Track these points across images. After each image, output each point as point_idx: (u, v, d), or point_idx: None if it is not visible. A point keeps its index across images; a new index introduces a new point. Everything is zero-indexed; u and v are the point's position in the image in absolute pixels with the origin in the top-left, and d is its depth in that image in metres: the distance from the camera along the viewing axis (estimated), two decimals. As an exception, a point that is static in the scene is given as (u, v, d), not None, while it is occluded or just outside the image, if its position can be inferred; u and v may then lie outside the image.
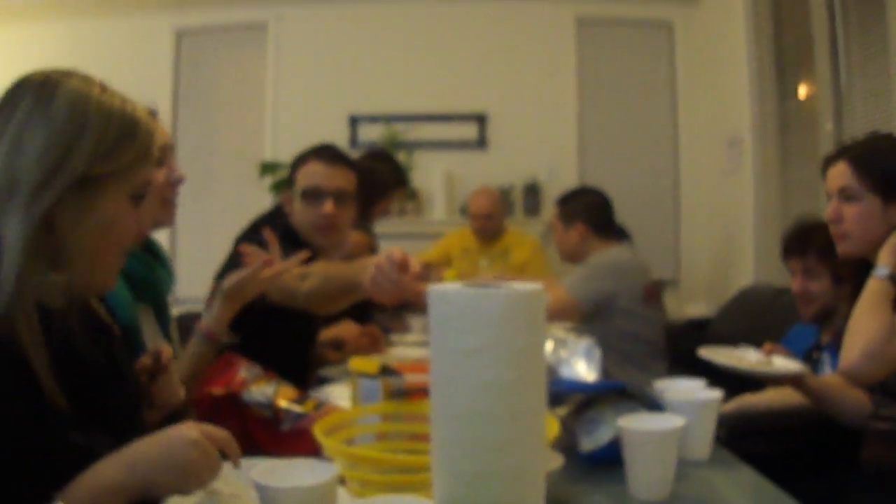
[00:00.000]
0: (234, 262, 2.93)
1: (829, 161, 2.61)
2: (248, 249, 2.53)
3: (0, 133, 1.45)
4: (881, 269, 2.34)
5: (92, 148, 1.47)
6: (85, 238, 1.49)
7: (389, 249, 2.33)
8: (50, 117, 1.46)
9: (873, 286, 2.34)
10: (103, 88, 1.54)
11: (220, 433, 1.45)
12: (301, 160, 3.20)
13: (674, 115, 7.16)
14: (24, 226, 1.40)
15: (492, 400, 1.09)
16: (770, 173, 5.77)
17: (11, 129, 1.45)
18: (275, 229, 3.14)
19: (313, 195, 3.09)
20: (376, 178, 4.71)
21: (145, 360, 1.84)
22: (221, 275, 2.61)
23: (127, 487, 1.33)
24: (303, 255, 2.53)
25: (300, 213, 3.12)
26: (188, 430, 1.41)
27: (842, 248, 2.55)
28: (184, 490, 1.39)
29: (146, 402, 1.81)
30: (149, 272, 2.32)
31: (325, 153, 3.17)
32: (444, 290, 1.12)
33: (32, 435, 1.35)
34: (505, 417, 1.09)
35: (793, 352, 3.07)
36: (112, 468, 1.34)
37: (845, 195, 2.50)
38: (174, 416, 1.83)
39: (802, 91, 5.55)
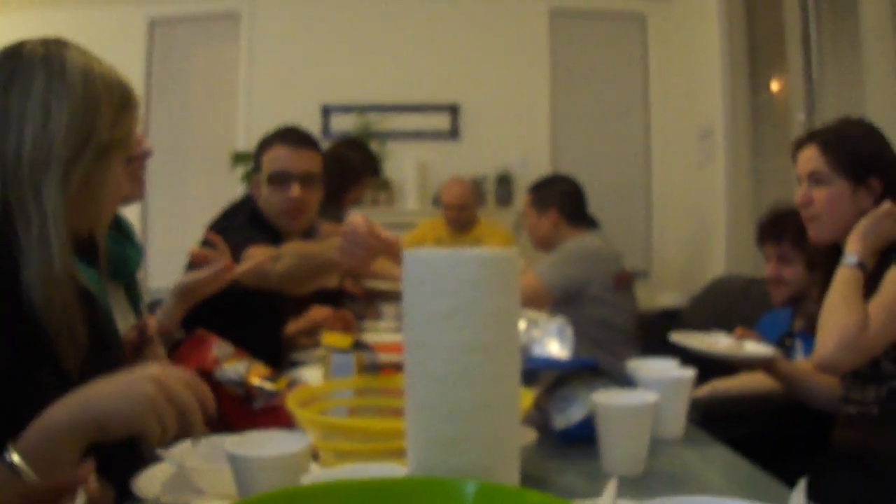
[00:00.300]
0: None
1: (799, 145, 2.61)
2: (201, 253, 2.51)
3: (21, 110, 1.50)
4: (850, 257, 2.35)
5: (108, 118, 1.56)
6: (102, 202, 1.60)
7: (351, 218, 2.33)
8: (69, 92, 1.52)
9: (843, 275, 2.34)
10: (94, 57, 1.61)
11: (182, 373, 1.41)
12: (266, 144, 3.19)
13: (646, 106, 7.18)
14: (64, 196, 1.49)
15: (467, 362, 1.08)
16: (742, 165, 5.79)
17: (33, 106, 1.50)
18: (244, 216, 3.15)
19: (280, 180, 3.09)
20: (348, 166, 4.71)
21: (130, 334, 1.85)
22: (191, 266, 2.60)
23: (79, 424, 1.28)
24: (258, 253, 2.53)
25: (267, 198, 3.12)
26: (149, 367, 1.37)
27: (812, 233, 2.57)
28: (140, 426, 1.30)
29: None
30: (119, 249, 2.30)
31: (290, 136, 3.16)
32: (418, 254, 1.12)
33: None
34: (480, 380, 1.09)
35: (765, 338, 3.08)
36: (65, 407, 1.30)
37: (815, 179, 2.51)
38: None
39: (775, 83, 5.57)
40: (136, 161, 2.32)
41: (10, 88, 1.52)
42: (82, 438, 1.28)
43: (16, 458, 1.21)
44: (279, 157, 3.11)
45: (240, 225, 3.12)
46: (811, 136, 2.58)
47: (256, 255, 2.54)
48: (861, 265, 2.34)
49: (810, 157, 2.53)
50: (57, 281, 1.47)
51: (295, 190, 3.06)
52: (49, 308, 1.46)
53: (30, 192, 1.48)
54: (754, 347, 2.78)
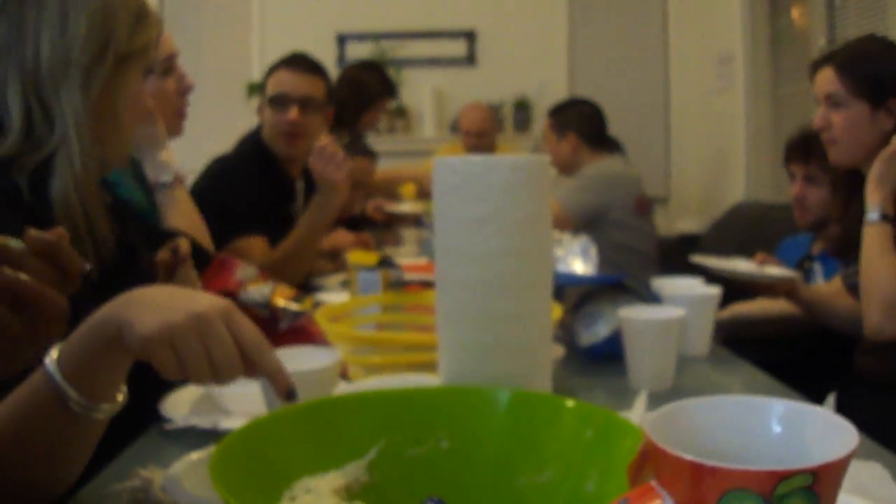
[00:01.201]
0: (209, 181, 2.98)
1: (815, 67, 2.56)
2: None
3: (38, 18, 1.50)
4: (871, 214, 2.28)
5: (126, 27, 1.55)
6: (123, 113, 1.58)
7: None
8: (85, 1, 1.51)
9: (869, 235, 2.27)
10: None
11: (251, 327, 1.15)
12: (272, 69, 3.28)
13: (665, 31, 7.10)
14: (85, 102, 1.49)
15: (500, 268, 1.07)
16: (761, 90, 5.74)
17: (49, 14, 1.49)
18: (249, 145, 3.22)
19: (279, 102, 3.16)
20: (363, 87, 4.69)
21: (164, 254, 1.84)
22: (195, 192, 2.61)
23: (102, 322, 1.10)
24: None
25: (268, 121, 3.18)
26: (217, 302, 1.13)
27: (832, 156, 2.53)
28: (152, 353, 1.07)
29: None
30: (136, 199, 2.30)
31: (294, 61, 3.26)
32: (450, 160, 1.10)
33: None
34: (512, 287, 1.08)
35: (784, 263, 3.07)
36: (106, 305, 1.13)
37: (832, 102, 2.46)
38: None
39: (795, 8, 5.50)
40: (180, 98, 2.34)
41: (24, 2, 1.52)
42: (106, 345, 1.10)
43: (54, 355, 1.09)
44: (281, 81, 3.19)
45: (243, 154, 3.20)
46: (828, 58, 2.52)
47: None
48: (884, 217, 2.29)
49: (827, 79, 2.48)
50: (77, 181, 1.47)
51: (293, 113, 3.11)
52: (67, 207, 1.46)
53: (51, 96, 1.48)
54: (776, 271, 2.77)
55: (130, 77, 1.59)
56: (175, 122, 2.33)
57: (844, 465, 0.62)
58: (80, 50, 1.49)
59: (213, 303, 1.10)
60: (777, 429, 0.70)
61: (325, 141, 2.46)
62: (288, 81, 3.17)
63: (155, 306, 1.08)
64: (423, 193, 4.40)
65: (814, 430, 0.69)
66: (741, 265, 2.78)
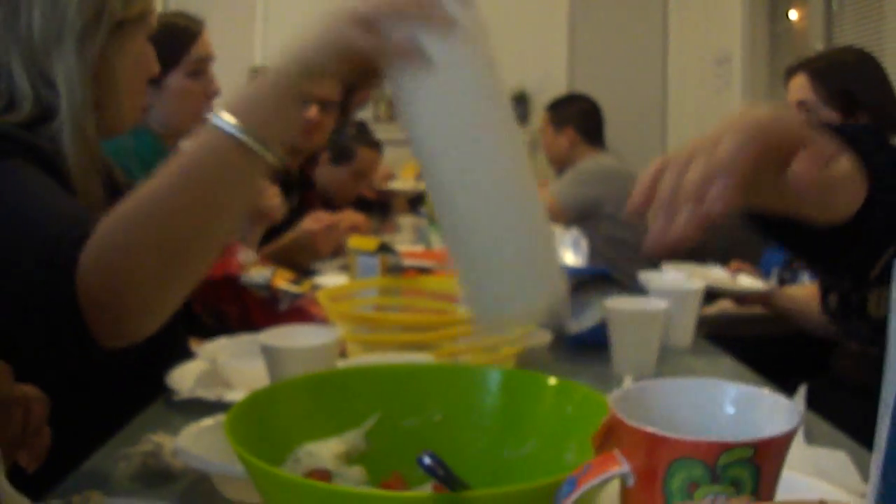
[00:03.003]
0: None
1: (789, 73, 2.57)
2: None
3: None
4: None
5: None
6: (121, 79, 1.58)
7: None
8: None
9: None
10: None
11: None
12: None
13: (664, 30, 7.14)
14: (80, 67, 1.48)
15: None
16: (758, 92, 5.78)
17: None
18: None
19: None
20: None
21: None
22: None
23: (281, 69, 1.17)
24: None
25: None
26: None
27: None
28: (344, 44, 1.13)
29: None
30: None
31: None
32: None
33: None
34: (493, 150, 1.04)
35: (763, 270, 3.13)
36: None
37: (804, 108, 2.47)
38: None
39: (794, 12, 5.55)
40: (207, 101, 2.37)
41: None
42: (290, 86, 1.16)
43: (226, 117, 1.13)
44: None
45: None
46: (802, 64, 2.53)
47: None
48: None
49: (800, 86, 2.48)
50: (75, 141, 1.49)
51: (312, 111, 3.18)
52: (79, 168, 1.48)
53: (48, 63, 1.49)
54: (749, 282, 2.82)
55: (128, 43, 1.58)
56: (193, 124, 2.35)
57: (785, 441, 0.69)
58: (73, 15, 1.49)
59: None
60: (730, 409, 0.77)
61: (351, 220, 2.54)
62: None
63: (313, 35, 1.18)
64: (414, 209, 4.47)
65: (763, 412, 0.75)
66: (715, 274, 2.83)
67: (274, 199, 2.55)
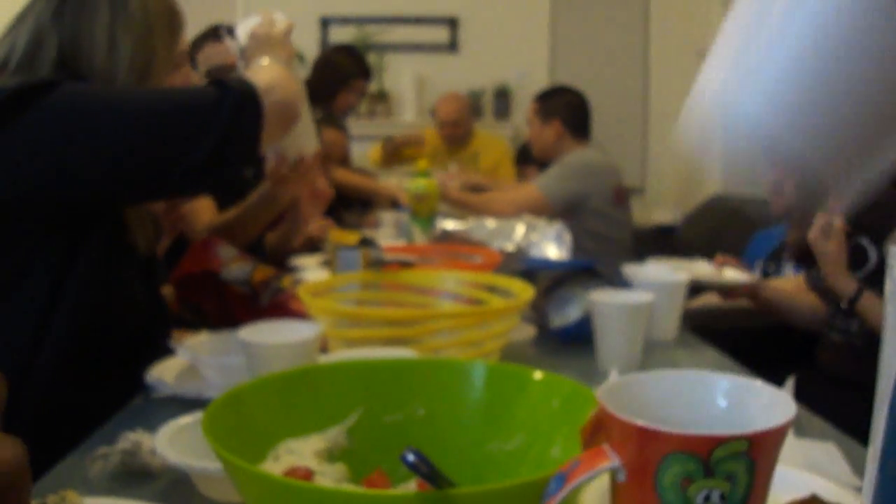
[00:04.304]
0: None
1: None
2: None
3: (91, 30, 1.64)
4: (844, 302, 2.42)
5: (164, 44, 1.73)
6: None
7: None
8: (129, 22, 1.66)
9: (863, 308, 2.40)
10: None
11: None
12: None
13: (646, 23, 7.15)
14: None
15: None
16: (739, 84, 5.79)
17: (98, 34, 1.64)
18: None
19: None
20: (337, 68, 4.76)
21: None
22: None
23: None
24: None
25: None
26: None
27: None
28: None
29: None
30: None
31: None
32: None
33: None
34: None
35: (747, 263, 3.13)
36: None
37: None
38: None
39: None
40: None
41: (79, 17, 1.64)
42: None
43: None
44: None
45: None
46: None
47: None
48: (859, 291, 2.36)
49: None
50: None
51: None
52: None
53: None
54: (734, 275, 2.82)
55: (168, 79, 1.76)
56: None
57: (780, 434, 0.67)
58: (126, 73, 1.64)
59: None
60: (723, 402, 0.75)
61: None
62: None
63: None
64: (395, 205, 4.46)
65: (756, 404, 0.74)
66: (700, 269, 2.83)
67: None
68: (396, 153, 5.77)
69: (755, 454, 0.64)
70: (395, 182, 4.70)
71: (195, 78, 2.36)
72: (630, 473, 0.67)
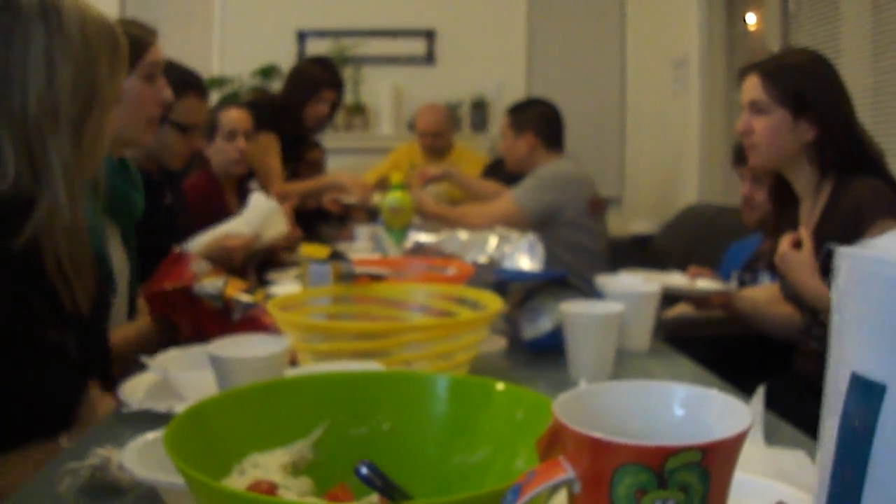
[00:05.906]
0: None
1: (742, 73, 2.63)
2: None
3: (24, 65, 1.51)
4: (824, 314, 2.42)
5: (106, 70, 1.61)
6: (104, 147, 1.67)
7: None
8: (68, 46, 1.54)
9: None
10: (84, 2, 1.62)
11: None
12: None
13: (622, 34, 7.19)
14: (74, 153, 1.54)
15: None
16: (716, 95, 5.82)
17: (33, 60, 1.51)
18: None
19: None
20: (307, 77, 4.77)
21: None
22: None
23: None
24: None
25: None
26: None
27: (752, 160, 2.60)
28: None
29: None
30: (125, 190, 2.33)
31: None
32: None
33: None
34: None
35: (722, 275, 3.14)
36: None
37: (756, 108, 2.52)
38: None
39: (751, 15, 5.59)
40: (156, 107, 2.35)
41: (9, 42, 1.52)
42: None
43: None
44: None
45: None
46: (754, 65, 2.58)
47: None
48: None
49: (752, 87, 2.54)
50: (67, 232, 1.53)
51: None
52: (56, 260, 1.52)
53: (39, 147, 1.51)
54: (706, 284, 2.83)
55: (111, 114, 1.64)
56: (144, 128, 2.30)
57: (734, 443, 0.66)
58: (68, 101, 1.53)
59: None
60: (679, 412, 0.75)
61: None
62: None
63: None
64: (371, 218, 4.47)
65: (713, 413, 0.74)
66: (674, 280, 2.83)
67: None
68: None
69: (709, 464, 0.64)
70: (340, 170, 4.79)
71: (168, 93, 2.36)
72: (585, 485, 0.67)
